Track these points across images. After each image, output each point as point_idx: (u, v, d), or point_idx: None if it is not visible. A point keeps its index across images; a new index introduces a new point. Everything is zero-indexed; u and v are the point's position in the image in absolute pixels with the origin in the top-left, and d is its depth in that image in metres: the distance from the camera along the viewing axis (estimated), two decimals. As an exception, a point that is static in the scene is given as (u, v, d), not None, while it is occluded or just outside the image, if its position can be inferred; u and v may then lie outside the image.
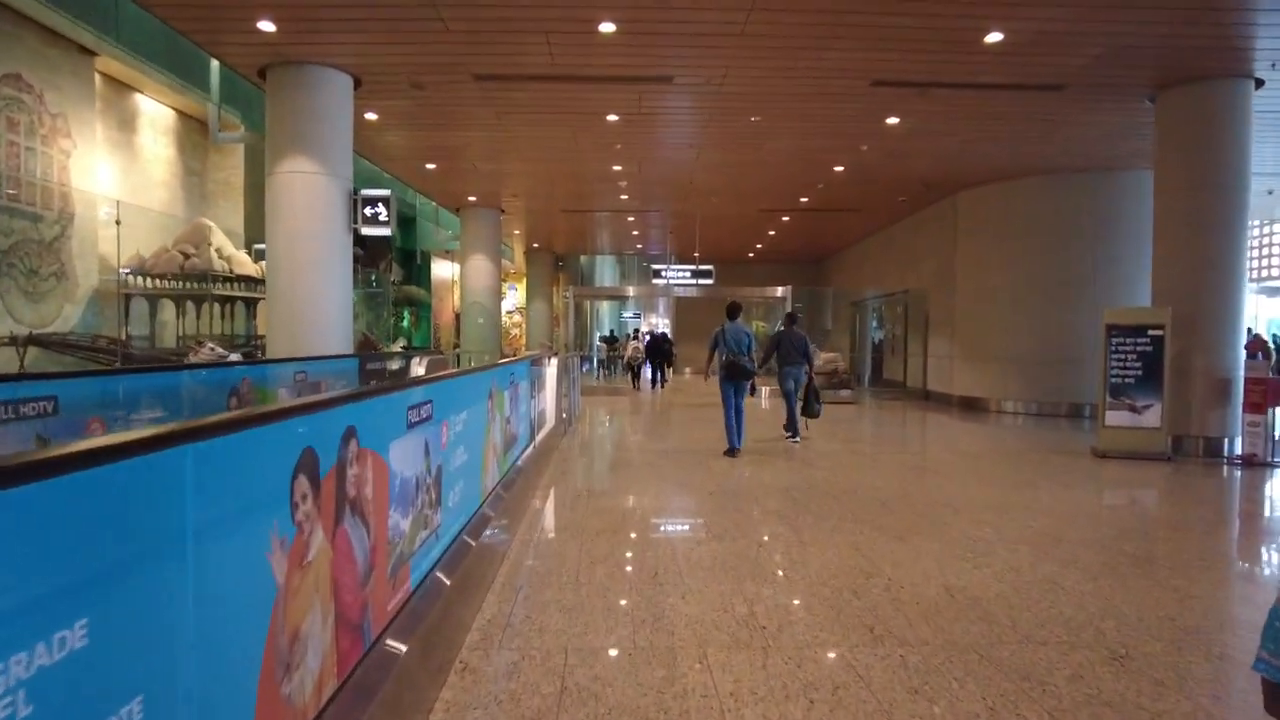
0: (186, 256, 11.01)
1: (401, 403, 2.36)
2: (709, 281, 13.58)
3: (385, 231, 7.99)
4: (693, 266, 13.66)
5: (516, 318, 26.32)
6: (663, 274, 13.71)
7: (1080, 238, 11.89)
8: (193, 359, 5.70)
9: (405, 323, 23.27)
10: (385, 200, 7.94)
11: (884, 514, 5.10)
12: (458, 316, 16.19)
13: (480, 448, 3.85)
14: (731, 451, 7.43)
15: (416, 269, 23.45)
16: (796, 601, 3.37)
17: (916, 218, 15.62)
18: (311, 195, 7.62)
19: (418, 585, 2.59)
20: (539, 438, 6.62)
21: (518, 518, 4.68)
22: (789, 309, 15.29)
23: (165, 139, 12.18)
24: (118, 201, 9.57)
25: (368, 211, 7.94)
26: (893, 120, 9.22)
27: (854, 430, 10.28)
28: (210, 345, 5.82)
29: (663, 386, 17.87)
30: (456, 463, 3.25)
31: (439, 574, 2.92)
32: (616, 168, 11.74)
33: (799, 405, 8.62)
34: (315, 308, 7.61)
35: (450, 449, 3.12)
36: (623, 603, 3.33)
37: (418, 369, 7.44)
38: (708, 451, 7.72)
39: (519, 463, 5.57)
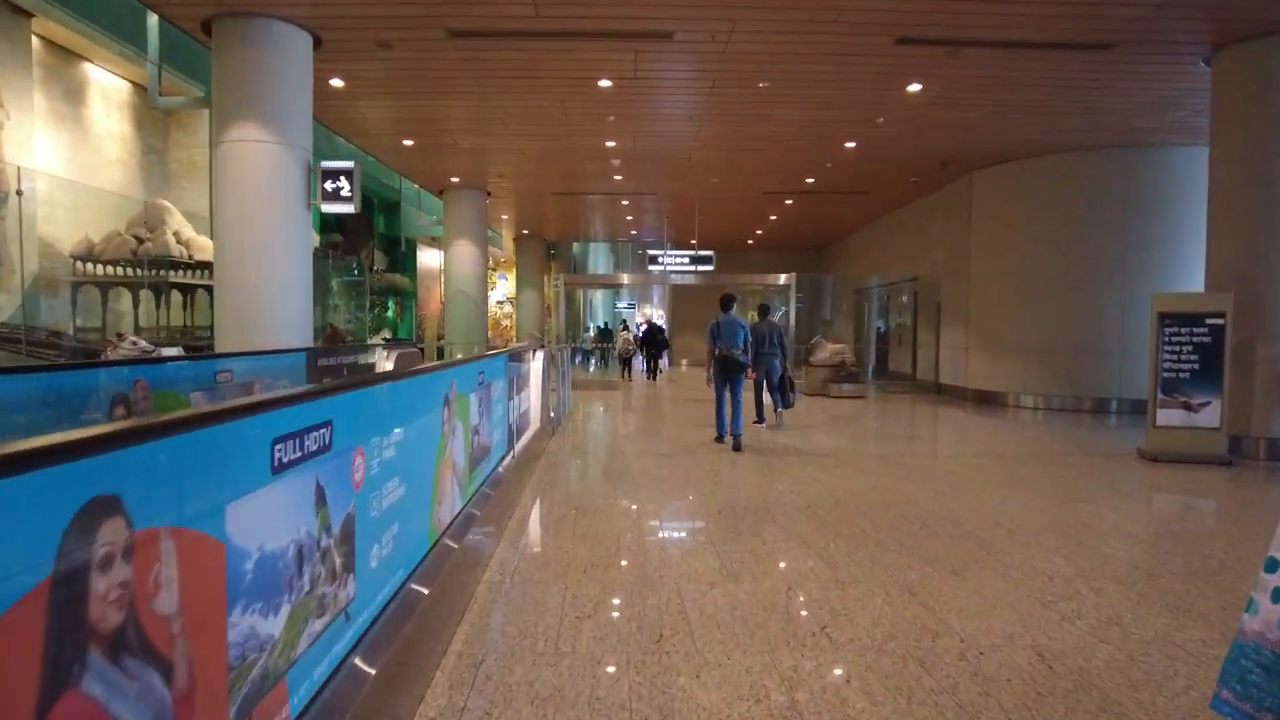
0: (140, 241, 10.07)
1: (258, 434, 1.49)
2: (708, 268, 12.72)
3: (348, 208, 7.09)
4: (691, 252, 12.79)
5: (508, 308, 25.42)
6: (659, 260, 12.83)
7: (1109, 219, 11.05)
8: (110, 355, 4.81)
9: (390, 313, 22.36)
10: (348, 173, 7.04)
11: (929, 538, 4.26)
12: (445, 306, 15.31)
13: (430, 473, 2.99)
14: (720, 439, 7.55)
15: (401, 257, 22.50)
16: (850, 681, 2.52)
17: (928, 200, 14.76)
18: (263, 167, 6.71)
19: (310, 699, 1.73)
20: (521, 443, 5.77)
21: (487, 550, 3.82)
22: (792, 297, 14.44)
23: (120, 114, 11.20)
24: (19, 168, 8.58)
25: (329, 186, 7.04)
26: (914, 88, 8.34)
27: (869, 428, 9.44)
28: (132, 339, 4.93)
29: (656, 378, 17.59)
30: (388, 501, 2.39)
31: (357, 662, 2.07)
32: (609, 143, 10.82)
33: (776, 397, 8.91)
34: (268, 296, 6.71)
35: (374, 486, 2.26)
36: (619, 687, 2.48)
37: (384, 364, 6.59)
38: (710, 455, 6.89)
39: (499, 470, 4.72)
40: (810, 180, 13.41)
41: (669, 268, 12.61)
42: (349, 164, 7.04)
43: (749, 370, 7.60)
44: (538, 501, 5.08)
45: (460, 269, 14.39)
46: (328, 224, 18.54)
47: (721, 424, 7.53)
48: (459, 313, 14.42)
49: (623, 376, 17.84)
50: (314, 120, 7.25)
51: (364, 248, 19.36)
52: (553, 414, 8.27)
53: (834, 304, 20.73)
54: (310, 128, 7.16)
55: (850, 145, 10.94)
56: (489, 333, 25.51)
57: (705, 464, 6.51)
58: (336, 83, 8.35)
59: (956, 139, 10.62)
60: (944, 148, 11.16)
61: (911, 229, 15.88)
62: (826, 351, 13.62)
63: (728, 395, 7.40)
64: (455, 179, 13.52)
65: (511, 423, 5.24)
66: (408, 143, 11.02)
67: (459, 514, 3.54)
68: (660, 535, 4.35)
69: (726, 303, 7.61)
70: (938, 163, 12.22)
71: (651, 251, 12.68)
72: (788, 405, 8.68)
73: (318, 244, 16.96)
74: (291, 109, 6.82)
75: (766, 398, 8.99)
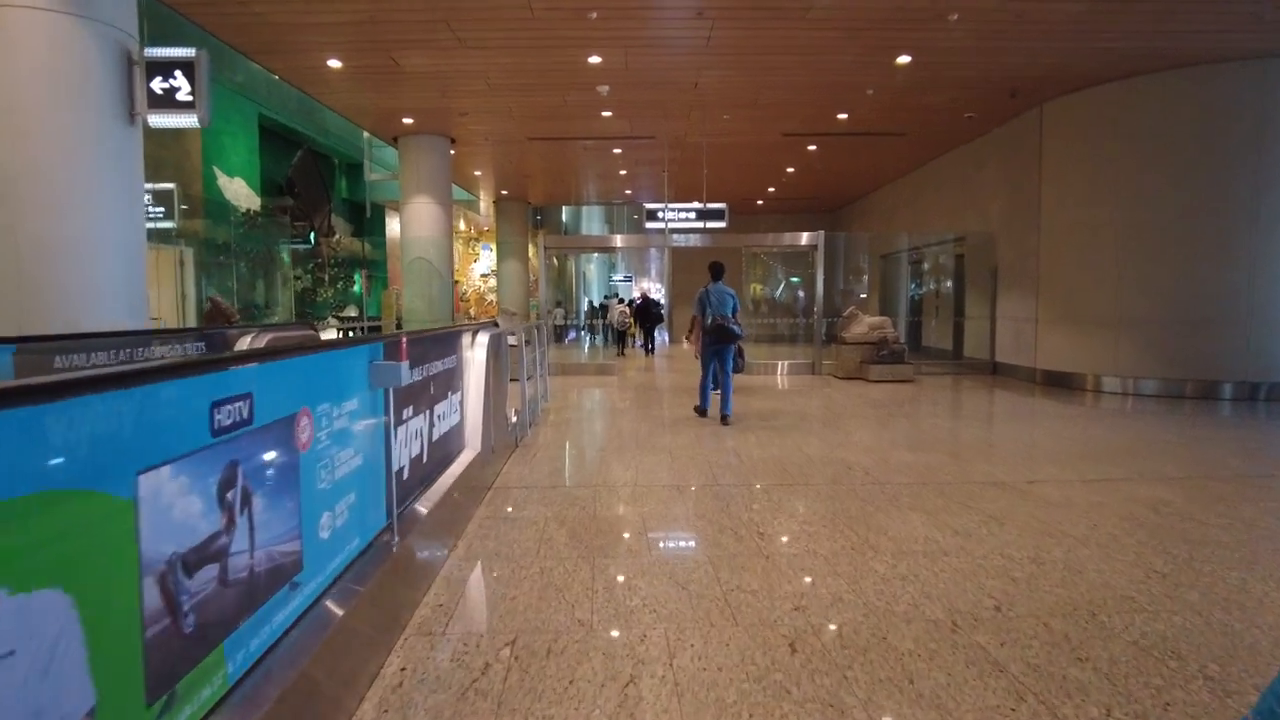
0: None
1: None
2: (720, 225, 10.32)
3: (189, 120, 4.68)
4: (698, 206, 10.35)
5: (493, 282, 22.99)
6: (659, 215, 10.41)
7: (1236, 152, 8.65)
8: None
9: (357, 287, 19.96)
10: (187, 66, 4.62)
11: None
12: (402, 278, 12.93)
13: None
14: (701, 411, 7.39)
15: (367, 224, 20.04)
16: None
17: (979, 144, 12.30)
18: (47, 51, 4.30)
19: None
20: (434, 492, 3.45)
21: None
22: (820, 261, 12.06)
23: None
24: None
25: (158, 86, 4.62)
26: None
27: (944, 429, 7.12)
28: None
29: (651, 353, 16.77)
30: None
31: None
32: (594, 59, 8.35)
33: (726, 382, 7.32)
34: (57, 255, 4.34)
35: None
36: None
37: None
38: (742, 486, 4.59)
39: (343, 570, 2.42)
40: (843, 116, 10.95)
41: (671, 224, 10.21)
42: (188, 51, 4.62)
43: (738, 341, 7.12)
44: (431, 637, 2.78)
45: (419, 232, 11.97)
46: (275, 185, 16.07)
47: (705, 396, 7.37)
48: (419, 285, 12.02)
49: (620, 353, 16.80)
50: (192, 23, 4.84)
51: (319, 213, 16.90)
52: (514, 419, 5.93)
53: (845, 272, 18.32)
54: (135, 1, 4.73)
55: (904, 60, 8.48)
56: (473, 310, 23.21)
57: (742, 514, 4.20)
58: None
59: (1036, 54, 8.17)
60: (1018, 67, 8.71)
61: (955, 181, 13.44)
62: (864, 326, 11.27)
63: (715, 367, 7.21)
64: (409, 120, 11.03)
65: (398, 468, 2.92)
66: (334, 64, 8.54)
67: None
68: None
69: (717, 270, 7.27)
70: (1005, 92, 9.76)
71: (650, 206, 10.26)
72: (738, 369, 7.37)
73: (260, 207, 14.53)
74: (92, -39, 4.39)
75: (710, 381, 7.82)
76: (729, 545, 3.54)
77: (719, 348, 7.05)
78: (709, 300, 7.06)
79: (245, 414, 1.66)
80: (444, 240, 12.17)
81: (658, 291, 27.95)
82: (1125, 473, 5.10)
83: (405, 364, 2.59)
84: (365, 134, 13.80)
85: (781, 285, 20.48)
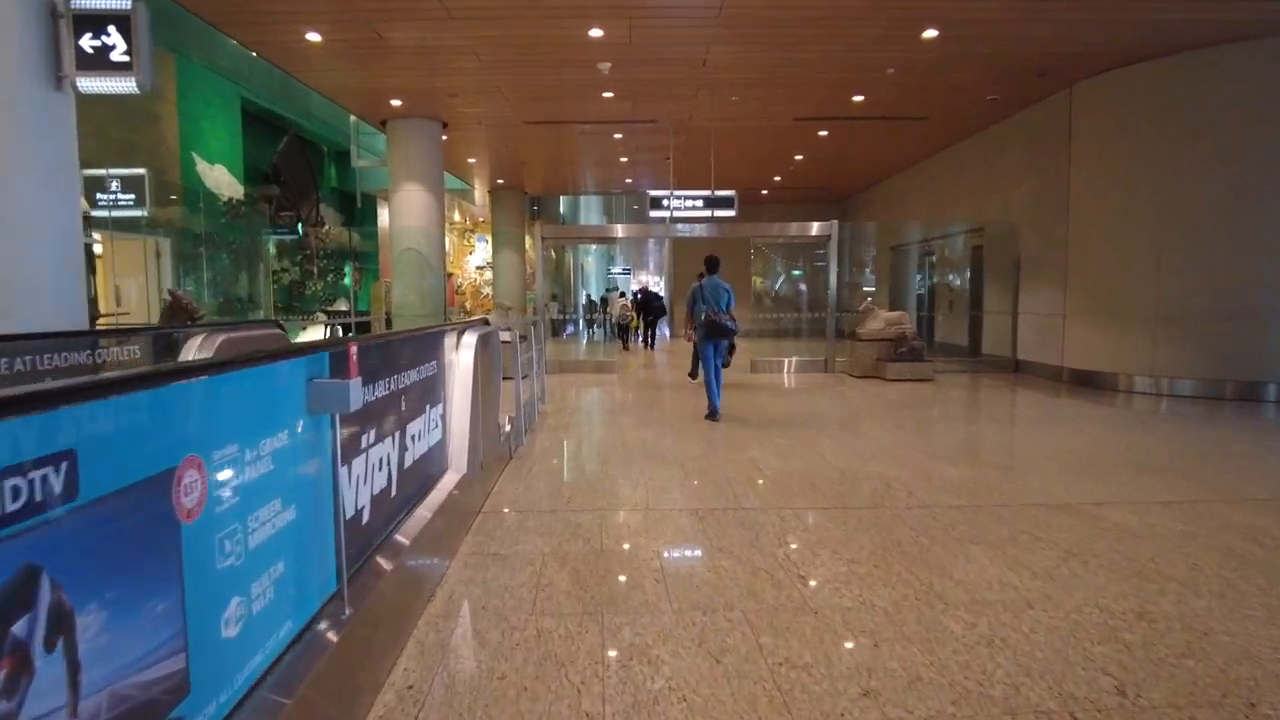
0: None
1: None
2: (729, 213, 9.65)
3: (125, 84, 4.02)
4: (705, 193, 9.68)
5: (489, 274, 22.30)
6: (664, 203, 9.75)
7: (1289, 135, 8.02)
8: None
9: (347, 280, 19.27)
10: (123, 20, 3.95)
11: None
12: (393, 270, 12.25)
13: None
14: (713, 415, 6.99)
15: (358, 214, 19.35)
16: None
17: (1003, 128, 11.64)
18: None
19: None
20: (403, 534, 2.82)
21: None
22: (833, 253, 11.42)
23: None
24: None
25: (88, 44, 3.96)
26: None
27: (986, 436, 6.50)
28: None
29: (653, 347, 16.61)
30: None
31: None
32: (594, 32, 7.68)
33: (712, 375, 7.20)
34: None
35: None
36: None
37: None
38: (770, 510, 3.97)
39: (265, 673, 1.80)
40: (859, 98, 10.28)
41: (677, 212, 9.53)
42: (123, 2, 3.95)
43: (733, 336, 7.09)
44: None
45: (409, 221, 11.30)
46: (260, 174, 15.38)
47: (712, 396, 7.07)
48: (409, 277, 11.36)
49: (624, 347, 16.65)
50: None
51: (306, 202, 16.21)
52: (507, 427, 5.31)
53: (851, 265, 17.67)
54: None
55: (930, 35, 7.83)
56: (469, 303, 22.53)
57: (773, 547, 3.59)
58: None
59: (1071, 27, 7.51)
60: (1049, 42, 8.06)
61: (973, 168, 12.79)
62: (880, 322, 10.64)
63: (714, 364, 7.09)
64: (396, 102, 10.35)
65: (353, 512, 2.29)
66: (313, 37, 7.86)
67: None
68: None
69: (712, 264, 7.24)
70: (1033, 72, 9.11)
71: (654, 193, 9.60)
72: (724, 365, 7.33)
73: (243, 195, 13.85)
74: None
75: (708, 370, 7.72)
76: (767, 595, 2.92)
77: (713, 342, 7.00)
78: (702, 295, 7.04)
79: (58, 486, 1.03)
80: (435, 230, 11.51)
81: (657, 284, 27.38)
82: (1201, 492, 4.48)
83: (357, 381, 1.96)
84: (352, 118, 13.11)
85: (781, 279, 19.84)
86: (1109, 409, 8.01)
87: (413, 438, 2.97)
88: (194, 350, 3.84)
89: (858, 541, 3.54)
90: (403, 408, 2.83)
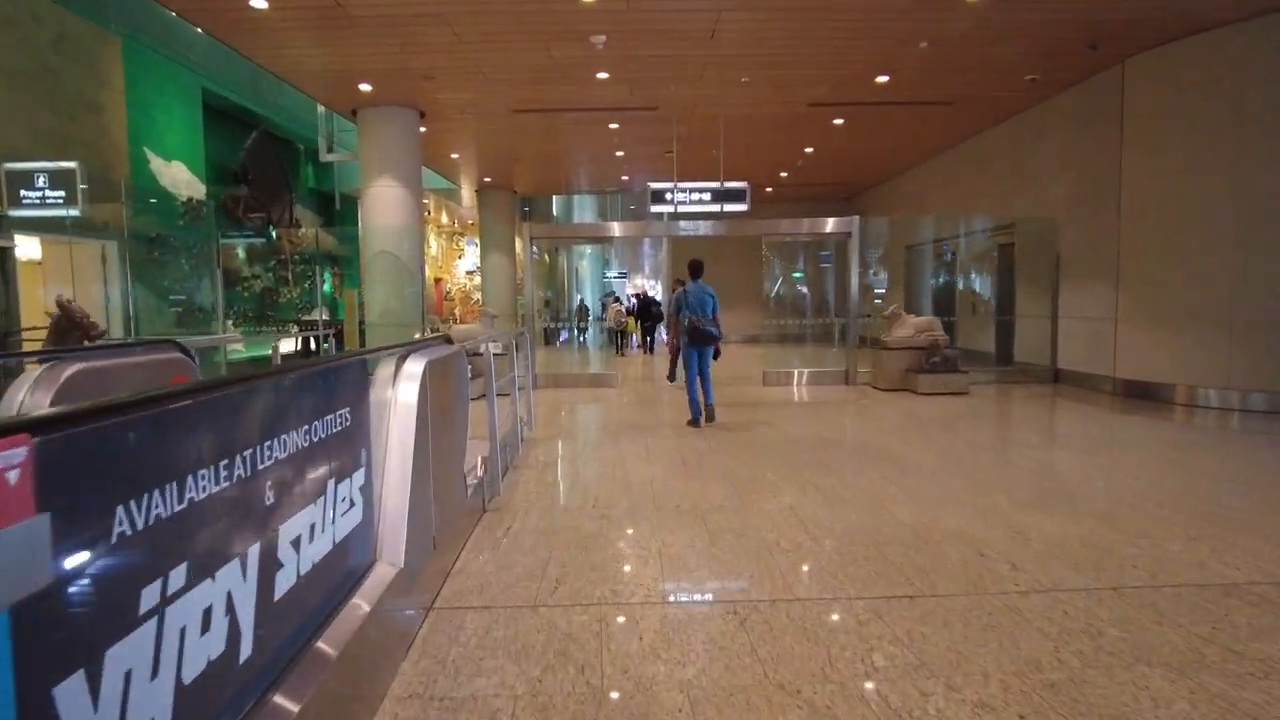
0: None
1: None
2: (740, 208, 8.52)
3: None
4: (714, 185, 8.56)
5: (478, 279, 21.17)
6: (667, 197, 8.64)
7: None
8: None
9: (328, 287, 18.12)
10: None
11: None
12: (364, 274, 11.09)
13: None
14: (695, 423, 6.92)
15: (337, 217, 18.20)
16: None
17: (1039, 114, 10.55)
18: None
19: None
20: (309, 662, 1.69)
21: None
22: (854, 252, 10.33)
23: None
24: None
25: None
26: None
27: (1078, 478, 5.38)
28: None
29: (653, 352, 16.35)
30: None
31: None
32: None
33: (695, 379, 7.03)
34: None
35: None
36: None
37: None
38: (834, 601, 2.85)
39: None
40: (883, 79, 9.19)
41: (681, 206, 8.42)
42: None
43: (718, 343, 6.96)
44: None
45: (382, 219, 10.18)
46: (228, 173, 14.24)
47: (696, 404, 6.99)
48: (384, 283, 10.23)
49: (619, 353, 16.57)
50: None
51: (278, 203, 15.08)
52: (480, 471, 4.18)
53: (883, 262, 16.59)
54: None
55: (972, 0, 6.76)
56: (457, 309, 21.36)
57: (855, 678, 2.47)
58: None
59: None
60: (1106, 8, 6.99)
61: (1002, 159, 11.71)
62: (908, 329, 9.53)
63: (696, 369, 6.94)
64: (366, 86, 9.22)
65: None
66: (258, 3, 6.74)
67: None
68: None
69: (695, 269, 7.09)
70: (1083, 44, 8.04)
71: (656, 185, 8.48)
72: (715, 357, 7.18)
73: (205, 195, 12.69)
74: None
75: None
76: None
77: (697, 349, 6.82)
78: (686, 301, 6.87)
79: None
80: (412, 229, 10.39)
81: (654, 290, 26.34)
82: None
83: (37, 524, 0.83)
84: (320, 109, 11.99)
85: (791, 281, 18.77)
86: (1183, 428, 6.92)
87: (296, 541, 1.84)
88: (25, 389, 2.72)
89: (976, 663, 2.42)
90: (272, 499, 1.71)
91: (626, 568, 3.33)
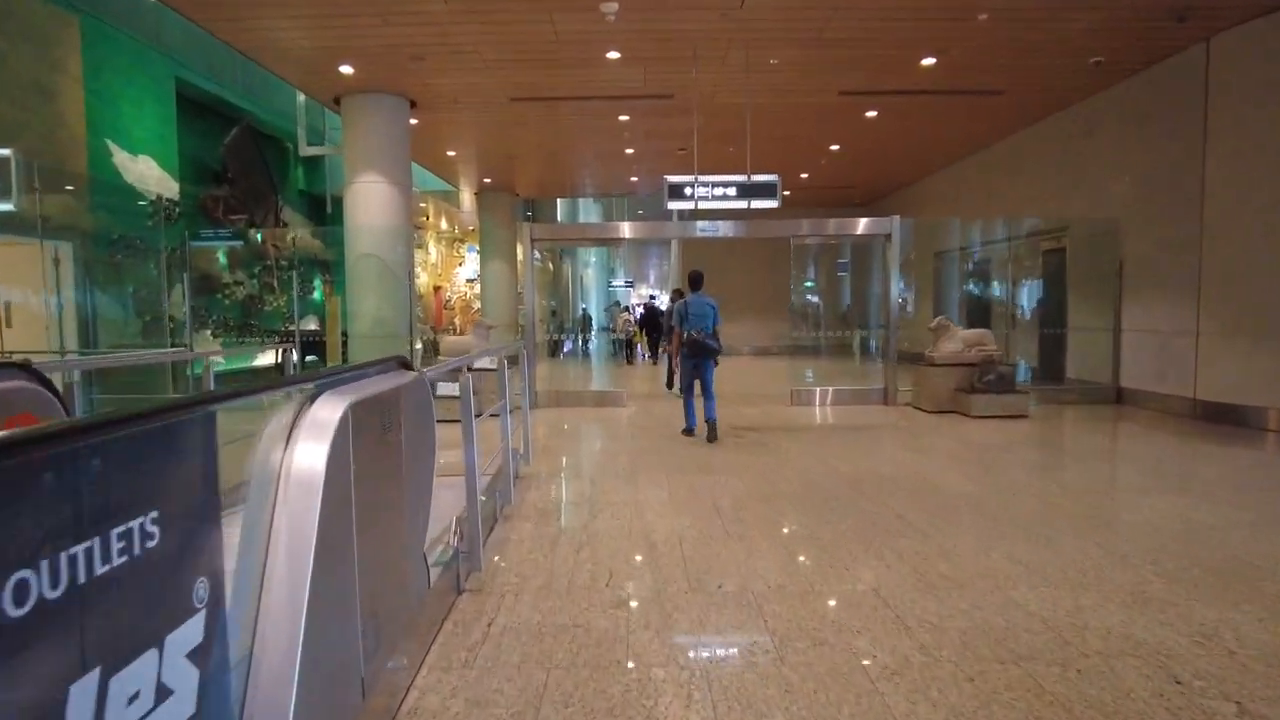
0: None
1: None
2: (769, 203, 7.45)
3: None
4: (740, 178, 7.49)
5: (479, 288, 20.16)
6: (686, 192, 7.59)
7: None
8: None
9: (318, 294, 17.08)
10: None
11: None
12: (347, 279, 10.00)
13: None
14: (689, 432, 6.87)
15: (329, 220, 17.19)
16: None
17: (1096, 103, 9.48)
18: None
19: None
20: None
21: None
22: (894, 255, 9.25)
23: None
24: None
25: None
26: None
27: (1250, 545, 4.27)
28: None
29: (656, 362, 15.99)
30: None
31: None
32: (598, -57, 5.55)
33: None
34: None
35: None
36: None
37: None
38: None
39: None
40: (929, 62, 8.15)
41: (702, 202, 7.36)
42: None
43: (717, 356, 6.70)
44: None
45: (367, 218, 9.16)
46: (208, 170, 13.23)
47: (691, 415, 6.87)
48: (366, 290, 9.20)
49: (628, 361, 16.71)
50: None
51: (262, 204, 14.07)
52: (453, 542, 3.10)
53: (880, 275, 15.51)
54: None
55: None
56: (458, 320, 20.31)
57: None
58: None
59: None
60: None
61: (1051, 155, 10.64)
62: (957, 342, 8.44)
63: (696, 384, 6.79)
64: (348, 69, 8.21)
65: None
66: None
67: None
68: None
69: (695, 281, 6.86)
70: (1169, 14, 6.99)
71: (674, 179, 7.41)
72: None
73: (176, 195, 11.67)
74: None
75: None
76: None
77: (697, 361, 6.68)
78: (687, 313, 6.68)
79: None
80: (401, 230, 9.36)
81: (660, 300, 25.36)
82: None
83: None
84: (301, 97, 10.99)
85: (806, 287, 17.72)
86: (1310, 465, 5.80)
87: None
88: None
89: None
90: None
91: (660, 707, 2.23)
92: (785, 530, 4.00)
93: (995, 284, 12.66)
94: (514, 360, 5.87)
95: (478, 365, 8.78)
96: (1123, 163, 9.10)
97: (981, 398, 8.02)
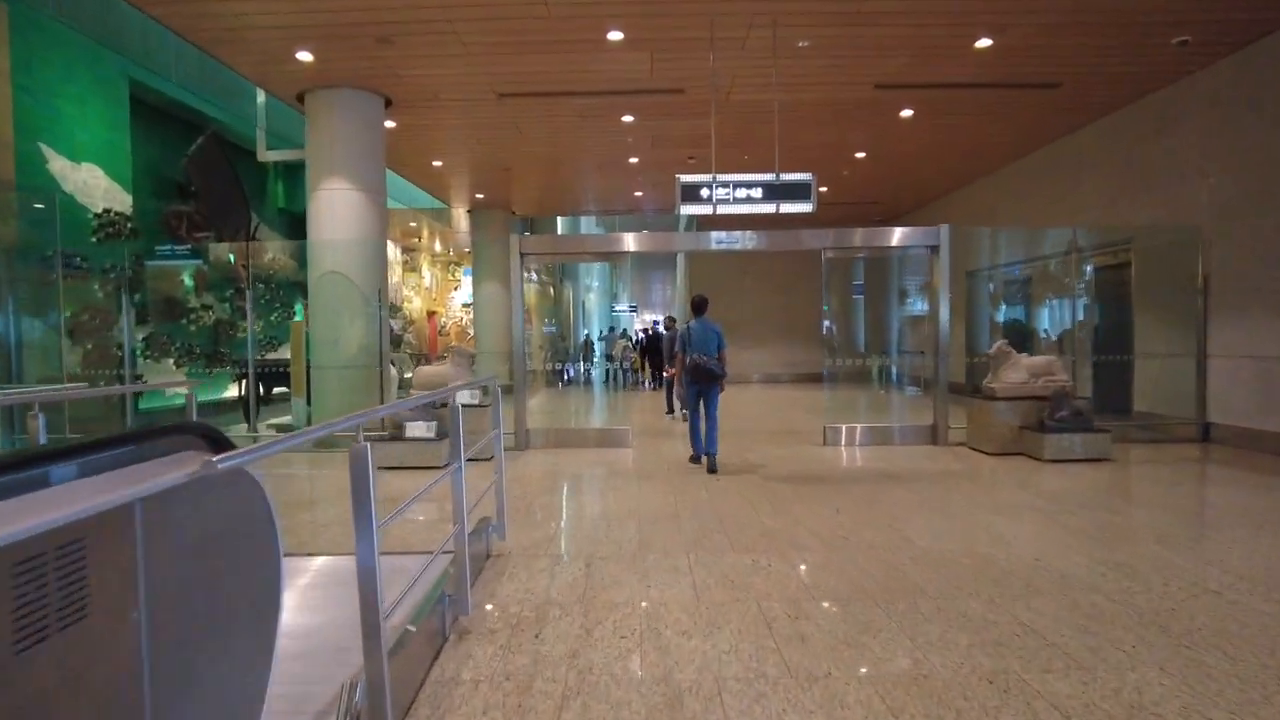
0: None
1: None
2: (804, 207, 6.19)
3: None
4: (767, 177, 6.26)
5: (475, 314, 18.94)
6: (703, 194, 6.35)
7: None
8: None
9: (299, 317, 15.86)
10: None
11: None
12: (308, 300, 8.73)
13: None
14: (696, 459, 6.85)
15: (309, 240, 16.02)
16: None
17: (1169, 96, 8.28)
18: None
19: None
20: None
21: None
22: (944, 269, 7.99)
23: None
24: None
25: None
26: None
27: None
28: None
29: (656, 390, 15.34)
30: None
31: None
32: None
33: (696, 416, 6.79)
34: None
35: None
36: None
37: None
38: None
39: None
40: (985, 43, 6.97)
41: (722, 207, 6.14)
42: None
43: (722, 381, 6.62)
44: None
45: (332, 231, 7.97)
46: (173, 185, 12.08)
47: (697, 440, 6.79)
48: (331, 313, 7.96)
49: (637, 384, 16.65)
50: None
51: (232, 221, 12.88)
52: (357, 703, 1.77)
53: (896, 295, 14.27)
54: None
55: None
56: (453, 344, 19.10)
57: None
58: None
59: None
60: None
61: (1110, 158, 9.41)
62: (1021, 372, 7.14)
63: (701, 410, 6.67)
64: (306, 56, 7.05)
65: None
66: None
67: None
68: None
69: (699, 305, 6.83)
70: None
71: (689, 179, 6.18)
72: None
73: (129, 208, 10.50)
74: None
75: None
76: None
77: (701, 387, 6.61)
78: (690, 338, 6.61)
79: None
80: (372, 244, 8.14)
81: (660, 324, 24.18)
82: None
83: None
84: (261, 96, 9.86)
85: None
86: None
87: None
88: None
89: None
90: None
91: None
92: (875, 659, 2.68)
93: (1043, 304, 11.37)
94: (502, 394, 4.56)
95: (470, 397, 7.39)
96: (1204, 161, 7.87)
97: (1055, 438, 6.69)
